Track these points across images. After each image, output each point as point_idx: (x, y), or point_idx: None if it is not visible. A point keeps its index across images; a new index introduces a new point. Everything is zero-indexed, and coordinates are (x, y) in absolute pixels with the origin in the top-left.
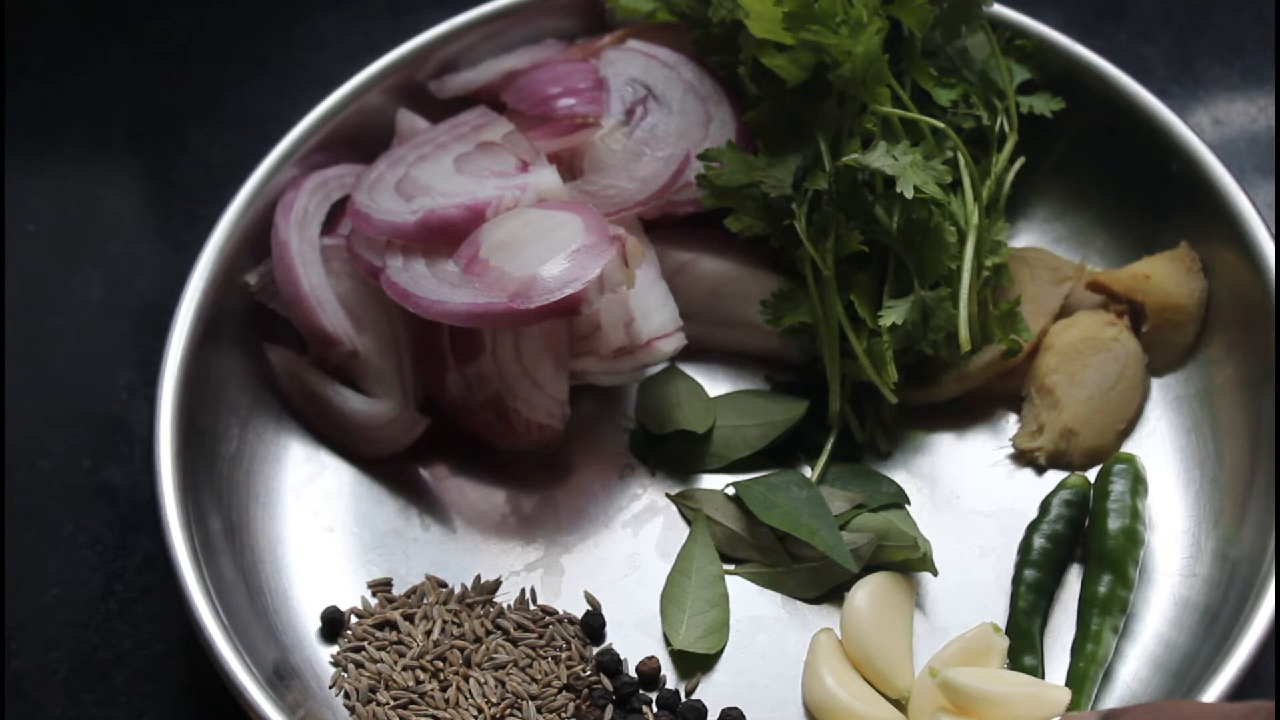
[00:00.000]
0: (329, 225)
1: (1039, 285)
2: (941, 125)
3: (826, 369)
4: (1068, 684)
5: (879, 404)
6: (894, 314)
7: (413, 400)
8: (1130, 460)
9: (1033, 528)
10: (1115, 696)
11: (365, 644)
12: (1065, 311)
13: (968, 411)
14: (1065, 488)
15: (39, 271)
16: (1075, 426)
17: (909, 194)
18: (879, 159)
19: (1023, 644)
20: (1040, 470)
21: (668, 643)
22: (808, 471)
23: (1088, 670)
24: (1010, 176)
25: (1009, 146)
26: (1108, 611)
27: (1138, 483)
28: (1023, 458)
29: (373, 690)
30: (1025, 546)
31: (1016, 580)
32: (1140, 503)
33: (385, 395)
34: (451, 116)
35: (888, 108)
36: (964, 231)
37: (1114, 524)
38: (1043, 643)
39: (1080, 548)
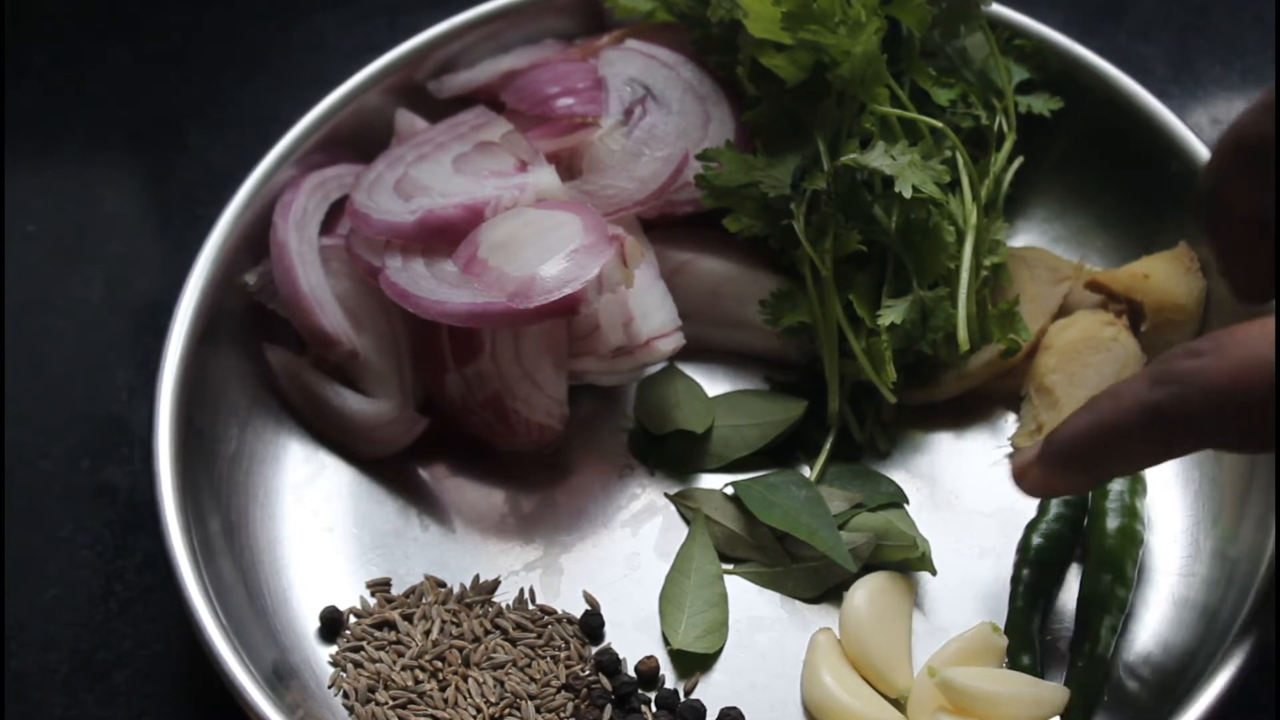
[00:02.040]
0: (328, 225)
1: (1038, 285)
2: (940, 125)
3: (825, 369)
4: (1066, 683)
5: (878, 404)
6: (893, 313)
7: (412, 400)
8: None
9: (1031, 527)
10: (1115, 696)
11: (364, 644)
12: (1064, 311)
13: (967, 411)
14: None
15: (39, 271)
16: None
17: (907, 194)
18: (877, 159)
19: (1020, 643)
20: None
21: (666, 642)
22: (807, 471)
23: (1086, 669)
24: (1009, 176)
25: (1008, 146)
26: (1106, 610)
27: (1137, 482)
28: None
29: (371, 690)
30: (1024, 546)
31: (1015, 580)
32: (1139, 502)
33: (384, 395)
34: (450, 116)
35: (886, 108)
36: (963, 231)
37: (1112, 523)
38: (1041, 642)
39: (1080, 548)
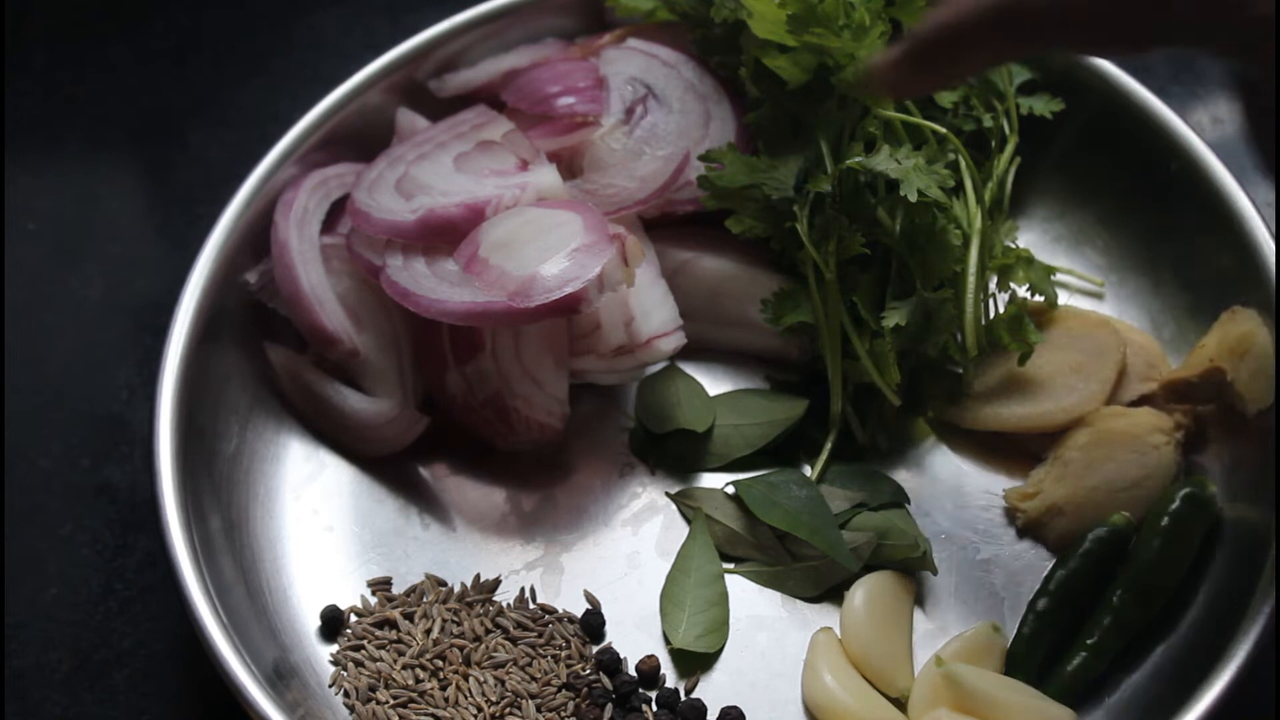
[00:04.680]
0: (329, 224)
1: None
2: (944, 131)
3: (828, 371)
4: (1053, 683)
5: (881, 404)
6: (896, 315)
7: (413, 399)
8: (1202, 484)
9: (1060, 563)
10: (1107, 706)
11: (365, 643)
12: (1136, 399)
13: None
14: (1105, 524)
15: (39, 270)
16: (1066, 508)
17: (913, 198)
18: (883, 163)
19: (1015, 669)
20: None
21: (667, 641)
22: (808, 470)
23: (1076, 677)
24: (1010, 178)
25: (1009, 148)
26: (1117, 631)
27: (1202, 511)
28: (1010, 514)
29: (372, 689)
30: (1048, 576)
31: (1029, 606)
32: (1196, 531)
33: (385, 394)
34: (451, 115)
35: (890, 111)
36: (968, 235)
37: (1157, 544)
38: (1041, 673)
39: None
